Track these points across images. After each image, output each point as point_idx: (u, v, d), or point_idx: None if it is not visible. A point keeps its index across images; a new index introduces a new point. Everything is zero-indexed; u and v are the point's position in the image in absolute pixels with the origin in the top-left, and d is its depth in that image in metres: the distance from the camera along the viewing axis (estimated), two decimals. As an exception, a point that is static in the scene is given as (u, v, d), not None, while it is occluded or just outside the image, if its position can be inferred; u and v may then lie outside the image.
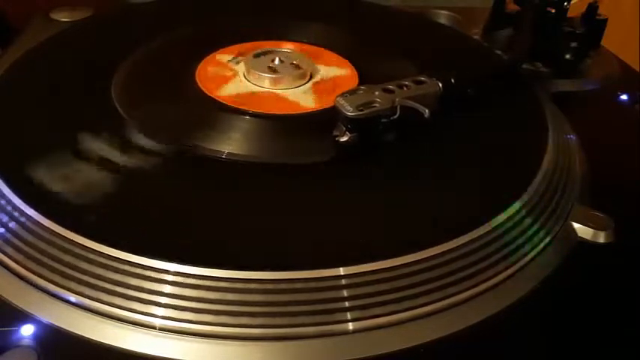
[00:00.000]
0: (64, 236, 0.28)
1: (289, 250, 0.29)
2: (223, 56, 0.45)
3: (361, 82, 0.42)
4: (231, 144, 0.36)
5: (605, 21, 0.51)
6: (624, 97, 0.48)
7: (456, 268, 0.29)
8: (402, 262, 0.28)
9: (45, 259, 0.28)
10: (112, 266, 0.27)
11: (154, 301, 0.27)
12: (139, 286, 0.27)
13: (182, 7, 0.54)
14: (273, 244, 0.29)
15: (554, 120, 0.41)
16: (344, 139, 0.35)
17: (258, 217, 0.31)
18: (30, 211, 0.29)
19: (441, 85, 0.37)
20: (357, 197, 0.33)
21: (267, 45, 0.46)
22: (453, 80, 0.38)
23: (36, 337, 0.26)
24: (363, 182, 0.34)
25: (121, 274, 0.27)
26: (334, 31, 0.50)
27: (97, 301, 0.27)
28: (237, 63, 0.44)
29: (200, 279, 0.27)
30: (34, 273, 0.28)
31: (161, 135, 0.36)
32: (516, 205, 0.32)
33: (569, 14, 0.49)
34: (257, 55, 0.43)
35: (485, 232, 0.30)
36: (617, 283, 0.31)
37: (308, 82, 0.42)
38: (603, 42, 0.53)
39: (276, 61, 0.42)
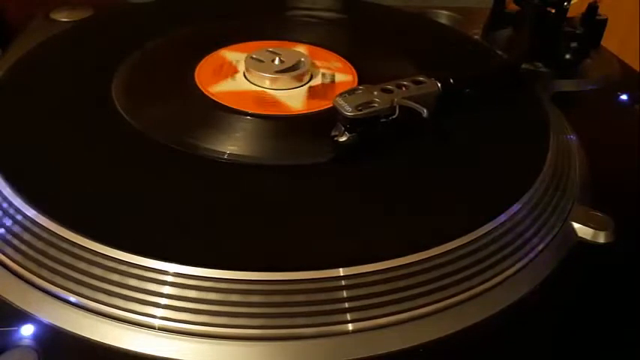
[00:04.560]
0: (64, 237, 0.28)
1: (289, 250, 0.29)
2: (223, 56, 0.45)
3: (360, 82, 0.42)
4: (233, 144, 0.36)
5: (605, 21, 0.51)
6: (624, 97, 0.48)
7: (456, 269, 0.29)
8: (402, 263, 0.28)
9: (45, 260, 0.28)
10: (111, 267, 0.27)
11: (154, 302, 0.27)
12: (138, 287, 0.27)
13: (182, 7, 0.54)
14: (273, 244, 0.29)
15: (555, 120, 0.41)
16: (343, 139, 0.35)
17: (258, 217, 0.31)
18: (30, 212, 0.29)
19: (440, 85, 0.37)
20: (357, 197, 0.33)
21: (267, 45, 0.46)
22: (452, 80, 0.38)
23: (36, 337, 0.26)
24: (362, 182, 0.34)
25: (121, 274, 0.27)
26: (334, 31, 0.50)
27: (96, 302, 0.27)
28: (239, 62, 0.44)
29: (199, 279, 0.27)
30: (34, 273, 0.28)
31: (161, 135, 0.36)
32: (516, 206, 0.32)
33: (569, 14, 0.49)
34: (256, 54, 0.43)
35: (486, 233, 0.30)
36: (617, 283, 0.31)
37: (305, 84, 0.42)
38: (603, 42, 0.53)
39: (277, 61, 0.42)
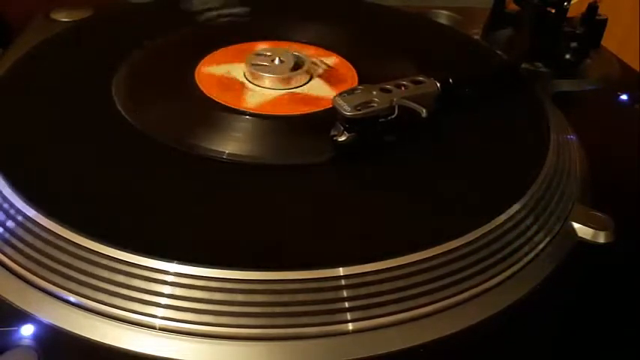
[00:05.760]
0: (64, 236, 0.28)
1: (289, 250, 0.29)
2: (223, 56, 0.45)
3: (360, 81, 0.42)
4: (232, 144, 0.36)
5: (605, 21, 0.51)
6: (624, 97, 0.48)
7: (456, 269, 0.29)
8: (402, 262, 0.28)
9: (45, 260, 0.28)
10: (112, 266, 0.27)
11: (154, 302, 0.27)
12: (139, 287, 0.27)
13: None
14: (273, 244, 0.29)
15: (555, 120, 0.41)
16: (342, 138, 0.35)
17: (258, 217, 0.31)
18: (30, 212, 0.29)
19: (439, 85, 0.37)
20: (357, 197, 0.33)
21: (266, 45, 0.46)
22: (451, 80, 0.38)
23: (36, 337, 0.26)
24: (362, 182, 0.34)
25: (121, 274, 0.27)
26: (334, 31, 0.50)
27: (97, 302, 0.27)
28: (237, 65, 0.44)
29: (200, 279, 0.27)
30: (34, 273, 0.28)
31: (161, 135, 0.36)
32: (516, 206, 0.32)
33: (569, 14, 0.49)
34: (256, 54, 0.43)
35: (486, 233, 0.30)
36: (617, 283, 0.31)
37: (304, 84, 0.42)
38: (603, 42, 0.53)
39: (277, 61, 0.42)
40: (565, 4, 0.48)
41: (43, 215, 0.29)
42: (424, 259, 0.29)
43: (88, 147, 0.35)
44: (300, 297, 0.27)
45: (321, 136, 0.35)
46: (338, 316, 0.27)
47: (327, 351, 0.26)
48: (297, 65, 0.42)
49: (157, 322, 0.26)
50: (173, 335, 0.26)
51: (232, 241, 0.29)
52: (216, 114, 0.38)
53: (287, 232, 0.30)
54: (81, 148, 0.35)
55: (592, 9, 0.50)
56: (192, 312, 0.26)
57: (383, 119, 0.35)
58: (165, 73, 0.43)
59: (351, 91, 0.35)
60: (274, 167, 0.35)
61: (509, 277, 0.30)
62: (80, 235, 0.28)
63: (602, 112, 0.47)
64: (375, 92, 0.35)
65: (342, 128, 0.35)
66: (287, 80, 0.41)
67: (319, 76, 0.43)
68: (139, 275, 0.27)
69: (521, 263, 0.31)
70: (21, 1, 0.57)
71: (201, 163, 0.34)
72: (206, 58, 0.44)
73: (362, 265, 0.28)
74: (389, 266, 0.28)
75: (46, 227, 0.29)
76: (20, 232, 0.29)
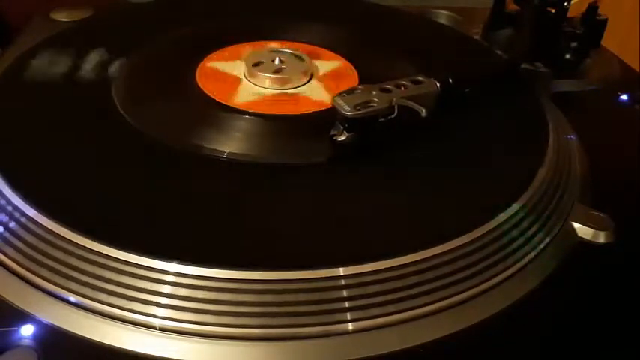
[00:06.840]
0: (64, 236, 0.28)
1: (289, 250, 0.29)
2: (223, 56, 0.45)
3: (360, 81, 0.42)
4: (232, 144, 0.36)
5: (605, 21, 0.51)
6: (624, 97, 0.48)
7: (456, 268, 0.29)
8: (402, 262, 0.28)
9: (45, 259, 0.28)
10: (112, 266, 0.27)
11: (154, 301, 0.27)
12: (139, 286, 0.27)
13: (182, 7, 0.54)
14: (273, 243, 0.29)
15: (554, 120, 0.41)
16: (342, 138, 0.35)
17: (258, 217, 0.31)
18: (30, 211, 0.29)
19: (439, 84, 0.37)
20: (356, 197, 0.33)
21: (267, 45, 0.46)
22: (451, 80, 0.38)
23: (36, 337, 0.26)
24: (362, 182, 0.34)
25: (121, 274, 0.27)
26: (334, 31, 0.50)
27: (97, 301, 0.27)
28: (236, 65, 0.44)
29: (200, 279, 0.27)
30: (34, 273, 0.28)
31: (162, 135, 0.36)
32: (516, 206, 0.32)
33: (569, 14, 0.49)
34: (256, 54, 0.43)
35: (485, 232, 0.30)
36: (617, 283, 0.31)
37: (304, 84, 0.42)
38: (603, 42, 0.53)
39: (277, 61, 0.42)
40: (565, 4, 0.48)
41: (43, 215, 0.29)
42: (424, 258, 0.29)
43: (88, 146, 0.35)
44: (300, 297, 0.27)
45: (321, 136, 0.36)
46: (338, 316, 0.27)
47: (327, 351, 0.26)
48: (297, 65, 0.43)
49: (157, 322, 0.26)
50: (173, 335, 0.26)
51: (232, 240, 0.29)
52: (216, 114, 0.38)
53: (287, 232, 0.30)
54: (81, 148, 0.35)
55: (592, 9, 0.50)
56: (192, 312, 0.26)
57: (383, 119, 0.35)
58: (166, 73, 0.43)
59: (350, 91, 0.35)
60: (274, 167, 0.35)
61: (509, 277, 0.30)
62: (80, 234, 0.28)
63: (602, 112, 0.47)
64: (374, 92, 0.35)
65: (341, 128, 0.35)
66: (287, 80, 0.42)
67: (319, 75, 0.43)
68: (139, 275, 0.27)
69: (521, 263, 0.31)
70: (21, 1, 0.57)
71: (201, 163, 0.34)
72: (206, 57, 0.44)
73: (362, 265, 0.28)
74: (389, 266, 0.28)
75: (46, 227, 0.29)
76: (20, 231, 0.29)
